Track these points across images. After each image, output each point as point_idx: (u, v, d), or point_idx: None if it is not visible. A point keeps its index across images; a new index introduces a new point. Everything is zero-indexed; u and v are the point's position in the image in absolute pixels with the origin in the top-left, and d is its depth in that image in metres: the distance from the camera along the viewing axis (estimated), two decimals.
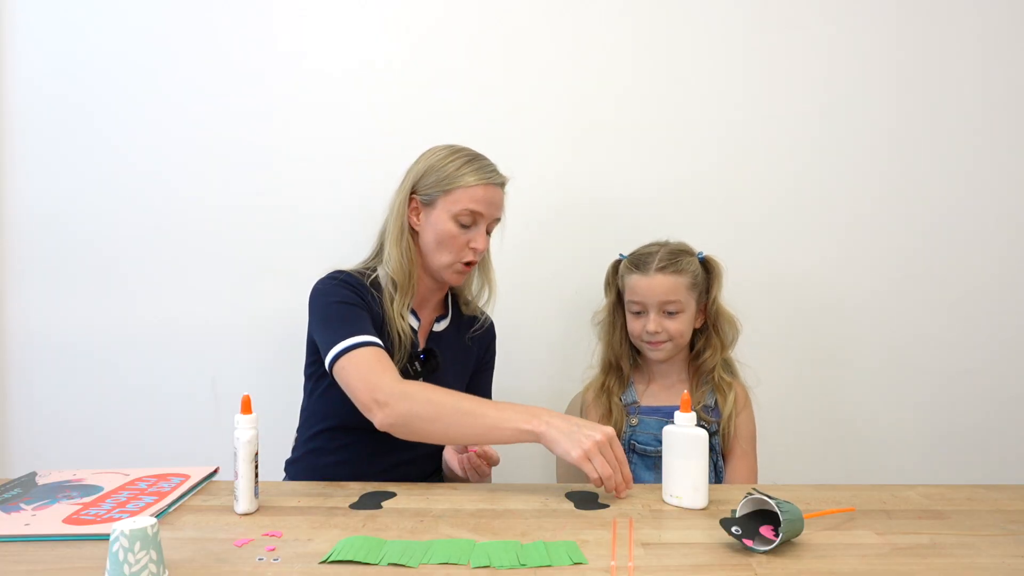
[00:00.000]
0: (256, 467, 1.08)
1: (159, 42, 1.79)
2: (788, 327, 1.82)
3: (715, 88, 1.80)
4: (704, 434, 1.12)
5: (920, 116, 1.80)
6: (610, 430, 1.12)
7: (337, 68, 1.79)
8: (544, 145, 1.79)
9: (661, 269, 1.43)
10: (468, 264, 1.37)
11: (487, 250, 1.45)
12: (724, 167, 1.80)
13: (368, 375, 1.19)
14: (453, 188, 1.33)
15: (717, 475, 1.46)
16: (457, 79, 1.78)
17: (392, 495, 1.17)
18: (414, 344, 1.38)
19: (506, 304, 1.57)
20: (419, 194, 1.37)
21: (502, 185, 1.39)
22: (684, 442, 1.12)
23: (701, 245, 1.53)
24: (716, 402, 1.48)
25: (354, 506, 1.12)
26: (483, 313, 1.52)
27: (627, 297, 1.49)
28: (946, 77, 1.79)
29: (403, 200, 1.38)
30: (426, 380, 1.32)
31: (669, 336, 1.44)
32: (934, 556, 0.94)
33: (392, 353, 1.31)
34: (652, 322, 1.43)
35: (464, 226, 1.34)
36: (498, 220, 1.40)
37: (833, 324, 1.83)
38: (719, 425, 1.46)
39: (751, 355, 1.56)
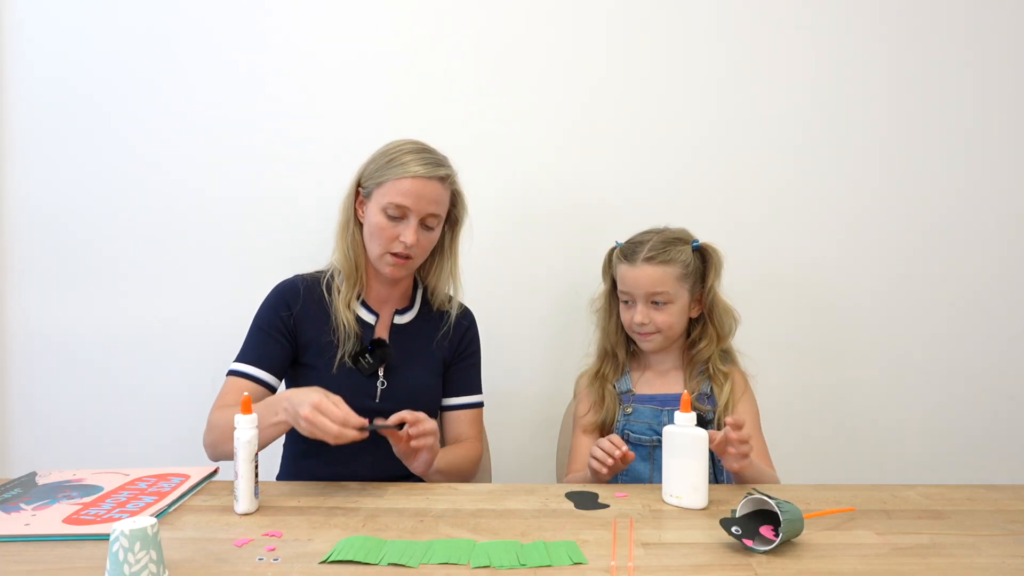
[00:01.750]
0: (256, 467, 1.08)
1: (160, 43, 1.78)
2: (788, 328, 1.81)
3: (713, 86, 1.79)
4: (704, 434, 1.12)
5: (921, 115, 1.80)
6: (314, 396, 1.12)
7: (338, 72, 1.79)
8: (539, 143, 1.79)
9: (648, 260, 1.40)
10: (400, 257, 1.36)
11: (455, 247, 1.46)
12: (722, 165, 1.80)
13: (212, 407, 1.33)
14: (384, 181, 1.35)
15: (714, 465, 1.40)
16: (454, 79, 1.79)
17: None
18: (363, 336, 1.40)
19: (500, 305, 1.56)
20: (362, 186, 1.40)
21: (442, 179, 1.36)
22: (684, 442, 1.12)
23: None
24: (712, 390, 1.45)
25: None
26: (453, 305, 1.49)
27: (619, 287, 1.47)
28: (947, 76, 1.79)
29: (350, 192, 1.42)
30: (382, 371, 1.39)
31: (657, 328, 1.42)
32: (934, 556, 0.94)
33: (337, 347, 1.36)
34: (639, 313, 1.42)
35: (393, 218, 1.34)
36: (435, 215, 1.37)
37: (833, 325, 1.83)
38: (715, 414, 1.43)
39: (751, 355, 1.55)
